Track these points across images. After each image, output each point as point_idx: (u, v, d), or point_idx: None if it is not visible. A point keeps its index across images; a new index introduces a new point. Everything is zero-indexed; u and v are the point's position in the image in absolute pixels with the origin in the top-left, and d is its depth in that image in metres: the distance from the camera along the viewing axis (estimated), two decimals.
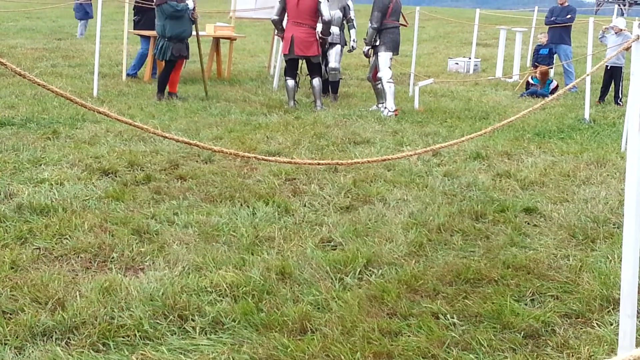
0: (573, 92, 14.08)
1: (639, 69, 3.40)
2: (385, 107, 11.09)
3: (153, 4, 11.68)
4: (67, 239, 5.30)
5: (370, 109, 11.44)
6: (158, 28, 11.47)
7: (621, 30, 12.58)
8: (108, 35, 19.60)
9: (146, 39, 13.83)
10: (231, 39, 15.09)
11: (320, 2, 10.99)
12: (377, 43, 11.24)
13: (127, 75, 13.81)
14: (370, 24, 11.12)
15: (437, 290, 4.67)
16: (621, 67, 13.13)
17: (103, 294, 4.39)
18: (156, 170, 7.25)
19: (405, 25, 11.69)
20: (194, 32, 11.86)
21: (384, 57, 11.22)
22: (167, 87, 11.74)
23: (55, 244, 5.22)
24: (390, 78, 11.19)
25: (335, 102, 12.17)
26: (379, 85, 11.39)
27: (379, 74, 11.26)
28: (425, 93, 13.18)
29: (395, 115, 10.91)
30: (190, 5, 11.27)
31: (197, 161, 7.66)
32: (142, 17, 13.88)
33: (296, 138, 9.03)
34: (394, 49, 11.31)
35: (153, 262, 4.97)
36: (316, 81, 11.43)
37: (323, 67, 12.06)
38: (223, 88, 13.20)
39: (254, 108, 11.20)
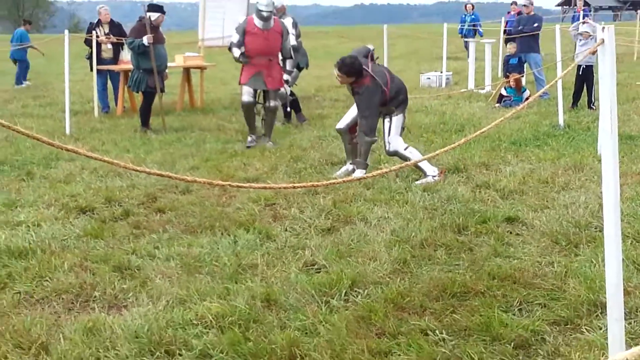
0: (545, 99, 14.17)
1: (607, 73, 3.41)
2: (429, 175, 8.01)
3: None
4: (47, 280, 5.22)
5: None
6: (133, 61, 11.67)
7: (590, 35, 12.70)
8: (78, 72, 19.49)
9: (101, 74, 13.97)
10: (202, 68, 15.09)
11: None
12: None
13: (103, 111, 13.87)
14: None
15: (424, 306, 4.64)
16: (592, 66, 13.15)
17: (87, 335, 4.32)
18: (134, 205, 7.18)
19: None
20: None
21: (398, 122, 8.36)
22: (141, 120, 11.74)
23: (36, 286, 5.13)
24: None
25: (288, 123, 12.17)
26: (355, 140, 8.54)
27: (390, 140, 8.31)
28: None
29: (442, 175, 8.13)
30: (145, 42, 11.21)
31: (175, 193, 7.61)
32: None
33: (273, 163, 9.00)
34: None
35: (136, 298, 4.91)
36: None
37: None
38: (197, 118, 13.17)
39: (229, 136, 11.17)
